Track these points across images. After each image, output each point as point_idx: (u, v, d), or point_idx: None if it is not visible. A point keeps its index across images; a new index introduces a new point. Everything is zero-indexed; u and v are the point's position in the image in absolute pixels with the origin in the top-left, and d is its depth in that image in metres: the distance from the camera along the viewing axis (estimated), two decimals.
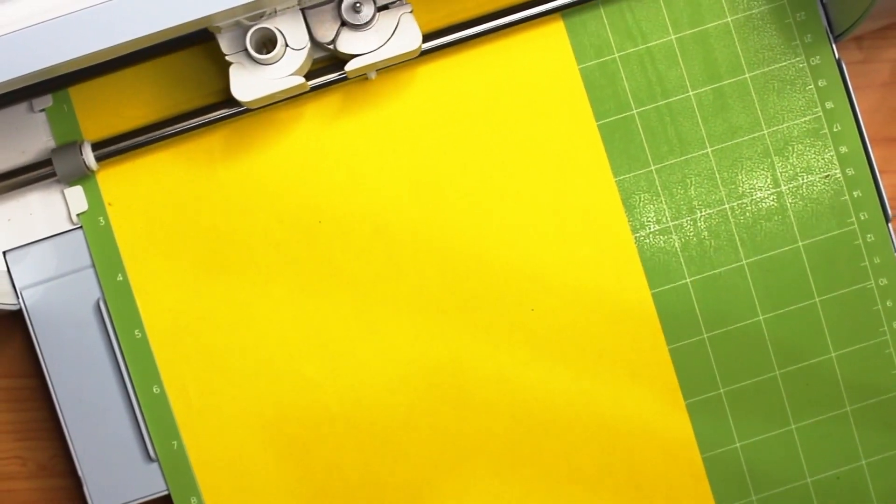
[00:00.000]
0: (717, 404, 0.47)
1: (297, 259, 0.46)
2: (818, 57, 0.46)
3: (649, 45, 0.46)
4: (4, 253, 0.47)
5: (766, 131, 0.47)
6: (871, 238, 0.47)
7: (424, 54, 0.45)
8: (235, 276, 0.46)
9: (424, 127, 0.46)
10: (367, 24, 0.43)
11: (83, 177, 0.46)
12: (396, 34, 0.43)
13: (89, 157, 0.45)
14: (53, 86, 0.45)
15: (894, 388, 0.47)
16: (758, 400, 0.47)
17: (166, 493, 0.47)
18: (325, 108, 0.46)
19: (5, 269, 0.47)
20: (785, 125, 0.46)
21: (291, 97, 0.46)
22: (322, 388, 0.46)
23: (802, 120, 0.47)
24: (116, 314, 0.46)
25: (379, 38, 0.43)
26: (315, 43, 0.43)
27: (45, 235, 0.47)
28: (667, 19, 0.46)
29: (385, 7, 0.43)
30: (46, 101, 0.46)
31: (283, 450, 0.47)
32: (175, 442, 0.46)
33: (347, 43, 0.43)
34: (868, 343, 0.47)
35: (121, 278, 0.46)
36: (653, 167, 0.47)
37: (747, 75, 0.46)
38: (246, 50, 0.42)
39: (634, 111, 0.46)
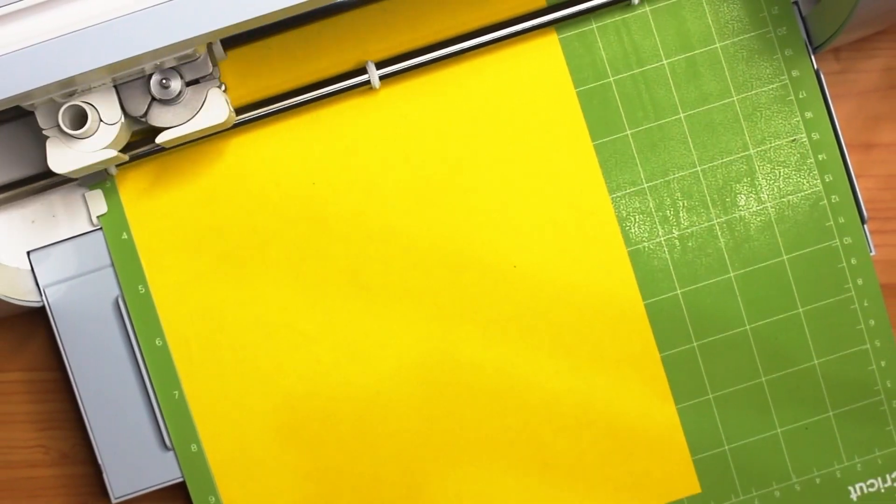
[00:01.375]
0: (690, 357, 0.48)
1: (303, 253, 0.47)
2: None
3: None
4: (28, 253, 0.48)
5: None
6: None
7: (427, 64, 0.46)
8: (245, 270, 0.48)
9: (426, 126, 0.48)
10: (175, 98, 0.43)
11: (103, 181, 0.47)
12: (204, 108, 0.43)
13: None
14: None
15: (872, 384, 0.48)
16: (730, 354, 0.48)
17: (181, 480, 0.48)
18: (329, 120, 0.47)
19: (29, 268, 0.48)
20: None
21: (309, 103, 0.46)
22: (329, 377, 0.48)
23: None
24: (133, 308, 0.47)
25: (188, 112, 0.43)
26: (129, 116, 0.43)
27: (66, 236, 0.48)
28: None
29: (195, 82, 0.43)
30: None
31: (293, 439, 0.48)
32: (189, 430, 0.47)
33: (158, 117, 0.43)
34: (834, 299, 0.48)
35: (137, 275, 0.47)
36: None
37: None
38: (58, 125, 0.42)
39: (611, 79, 0.48)
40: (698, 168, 0.48)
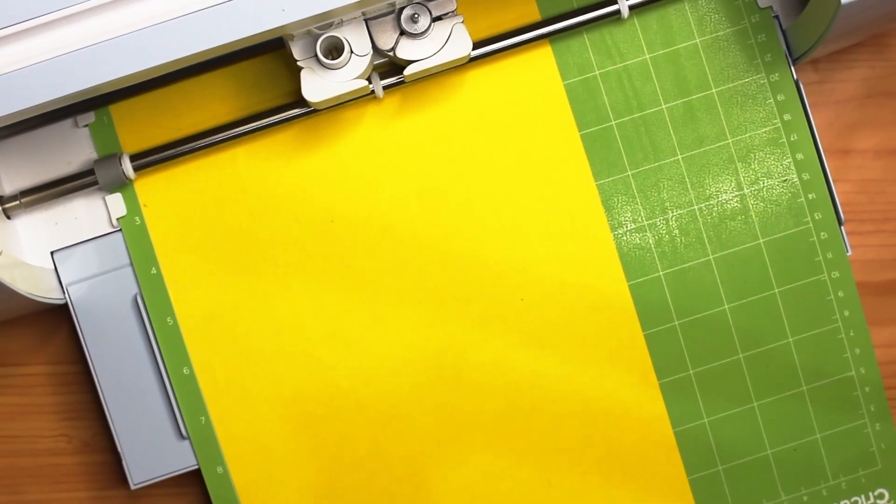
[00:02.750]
0: (686, 384, 0.49)
1: (311, 254, 0.49)
2: (777, 74, 0.49)
3: (626, 63, 0.49)
4: (52, 253, 0.49)
5: (730, 140, 0.49)
6: (824, 235, 0.49)
7: (428, 76, 0.48)
8: (257, 270, 0.49)
9: (428, 139, 0.49)
10: (423, 33, 0.45)
11: (122, 185, 0.48)
12: (450, 42, 0.45)
13: (128, 167, 0.47)
14: (96, 104, 0.48)
15: (845, 370, 0.50)
16: (723, 380, 0.49)
17: (196, 467, 0.49)
18: (338, 125, 0.49)
19: (53, 267, 0.49)
20: (747, 135, 0.49)
21: (316, 111, 0.48)
22: (334, 369, 0.49)
23: (763, 130, 0.49)
24: (151, 304, 0.48)
25: (434, 46, 0.45)
26: (376, 50, 0.45)
27: (88, 237, 0.49)
28: (642, 41, 0.49)
29: (439, 18, 0.45)
30: (89, 117, 0.48)
31: (299, 425, 0.49)
32: (203, 418, 0.49)
33: (406, 50, 0.45)
34: (822, 329, 0.49)
35: (154, 272, 0.48)
36: (629, 172, 0.50)
37: (714, 90, 0.49)
38: (315, 56, 0.44)
39: (613, 122, 0.49)
40: (695, 207, 0.49)
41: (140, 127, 0.49)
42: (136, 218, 0.49)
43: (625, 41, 0.49)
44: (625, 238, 0.49)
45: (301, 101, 0.48)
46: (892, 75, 0.52)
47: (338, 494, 0.49)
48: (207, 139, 0.48)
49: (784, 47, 0.49)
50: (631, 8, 0.48)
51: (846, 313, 0.50)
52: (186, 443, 0.49)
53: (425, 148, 0.49)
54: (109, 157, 0.48)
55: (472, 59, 0.48)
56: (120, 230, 0.49)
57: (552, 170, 0.49)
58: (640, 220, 0.50)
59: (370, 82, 0.47)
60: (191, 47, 0.41)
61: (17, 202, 0.48)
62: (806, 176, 0.50)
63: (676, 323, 0.49)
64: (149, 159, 0.48)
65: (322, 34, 0.44)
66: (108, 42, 0.40)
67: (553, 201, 0.49)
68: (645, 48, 0.49)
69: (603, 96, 0.49)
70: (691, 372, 0.50)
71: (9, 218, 0.49)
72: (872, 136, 0.52)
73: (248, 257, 0.49)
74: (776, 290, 0.49)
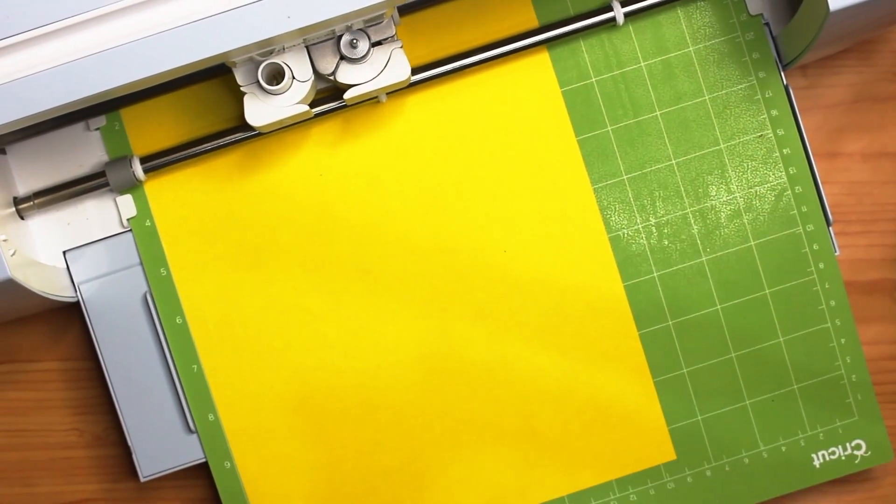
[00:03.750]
0: (665, 335, 0.50)
1: (313, 247, 0.50)
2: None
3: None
4: (64, 252, 0.49)
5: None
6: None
7: (429, 79, 0.49)
8: (265, 269, 0.50)
9: (425, 135, 0.50)
10: (362, 58, 0.45)
11: (132, 186, 0.49)
12: (388, 67, 0.46)
13: (138, 169, 0.48)
14: (107, 108, 0.48)
15: (821, 322, 0.51)
16: (702, 331, 0.50)
17: (204, 460, 0.50)
18: (342, 126, 0.50)
19: (65, 266, 0.49)
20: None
21: (302, 121, 0.48)
22: (334, 352, 0.50)
23: (739, 87, 0.50)
24: (160, 302, 0.49)
25: (373, 70, 0.46)
26: (318, 75, 0.46)
27: (99, 237, 0.49)
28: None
29: (378, 43, 0.46)
30: (101, 121, 0.49)
31: (301, 409, 0.50)
32: (211, 415, 0.50)
33: (346, 75, 0.46)
34: (797, 281, 0.50)
35: (164, 271, 0.49)
36: (609, 128, 0.50)
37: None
38: (258, 82, 0.45)
39: (594, 79, 0.50)
40: (673, 161, 0.50)
41: (150, 130, 0.50)
42: (146, 218, 0.50)
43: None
44: (605, 192, 0.50)
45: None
46: (878, 80, 0.53)
47: (336, 465, 0.50)
48: (215, 142, 0.49)
49: (774, 54, 0.50)
50: (626, 15, 0.49)
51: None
52: (194, 437, 0.50)
53: (425, 138, 0.50)
54: (120, 159, 0.49)
55: (473, 64, 0.50)
56: (130, 230, 0.50)
57: (533, 126, 0.50)
58: (619, 174, 0.50)
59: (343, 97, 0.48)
60: (201, 52, 0.41)
61: (31, 203, 0.49)
62: (793, 170, 0.50)
63: (655, 274, 0.50)
64: (158, 161, 0.49)
65: (263, 61, 0.44)
66: (119, 48, 0.41)
67: (535, 157, 0.50)
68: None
69: (584, 55, 0.50)
70: (670, 323, 0.50)
71: (22, 218, 0.49)
72: (860, 140, 0.53)
73: (254, 257, 0.50)
74: (752, 243, 0.50)
